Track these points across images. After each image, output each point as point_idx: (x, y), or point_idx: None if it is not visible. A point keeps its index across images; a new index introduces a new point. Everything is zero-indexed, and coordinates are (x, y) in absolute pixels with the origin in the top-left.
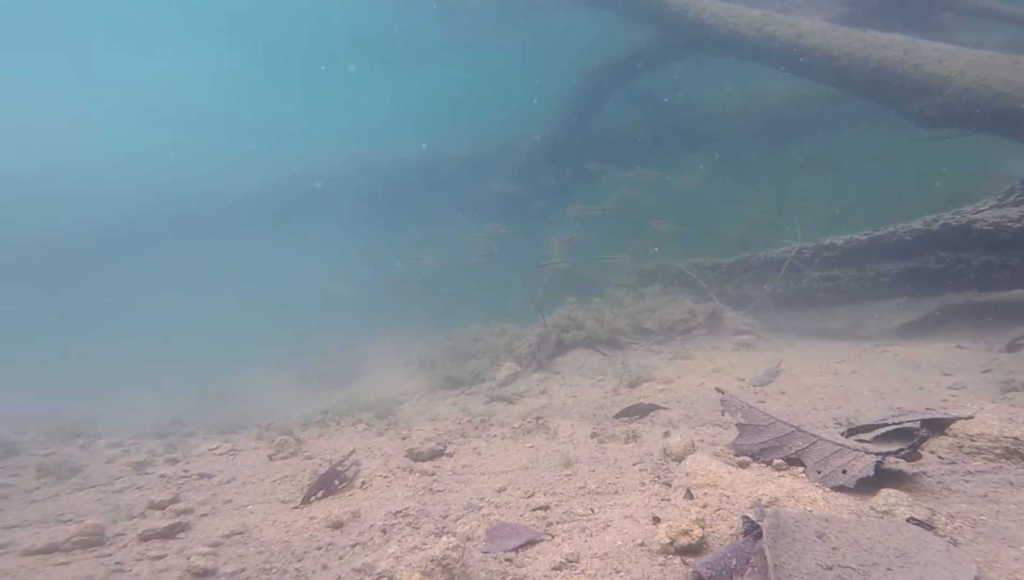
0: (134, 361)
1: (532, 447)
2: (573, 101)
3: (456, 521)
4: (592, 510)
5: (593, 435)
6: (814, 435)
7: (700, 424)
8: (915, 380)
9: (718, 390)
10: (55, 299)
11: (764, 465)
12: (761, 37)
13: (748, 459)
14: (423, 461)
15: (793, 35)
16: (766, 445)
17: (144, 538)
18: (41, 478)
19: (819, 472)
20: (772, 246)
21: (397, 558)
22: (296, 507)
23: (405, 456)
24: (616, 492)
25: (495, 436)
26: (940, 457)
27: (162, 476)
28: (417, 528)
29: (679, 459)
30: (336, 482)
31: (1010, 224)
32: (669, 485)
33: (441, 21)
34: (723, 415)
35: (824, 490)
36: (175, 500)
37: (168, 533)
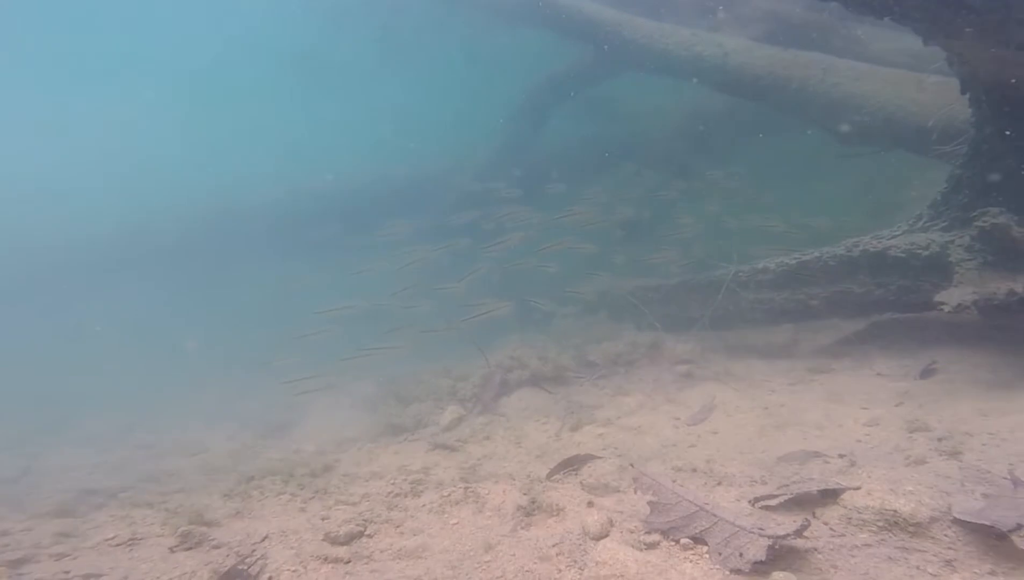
0: (65, 412)
1: (457, 524)
2: (516, 119)
3: None
4: None
5: (519, 508)
6: (715, 515)
7: (626, 483)
8: (836, 416)
9: (632, 466)
10: None
11: (673, 543)
12: (691, 56)
13: (659, 538)
14: (340, 545)
15: (720, 54)
16: (674, 523)
17: None
18: None
19: (720, 554)
20: (712, 268)
21: None
22: None
23: (322, 540)
24: None
25: (423, 507)
26: (831, 528)
27: None
28: None
29: (596, 539)
30: None
31: (919, 251)
32: (582, 571)
33: (379, 40)
34: (635, 492)
35: (723, 573)
36: None
37: None
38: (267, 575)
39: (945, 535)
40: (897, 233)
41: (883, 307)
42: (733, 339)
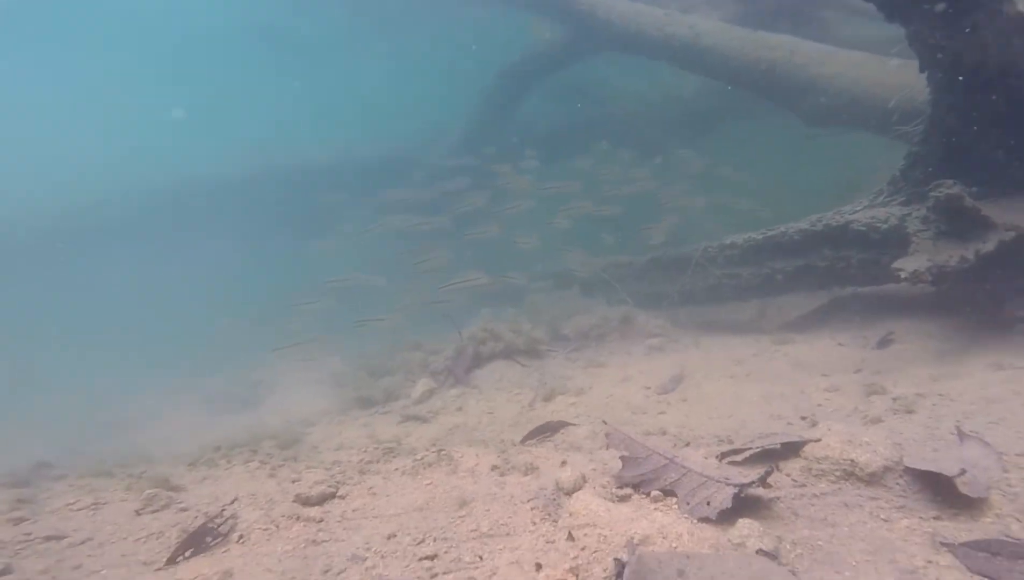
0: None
1: (430, 484)
2: (490, 98)
3: (338, 575)
4: (480, 556)
5: (494, 468)
6: (684, 467)
7: (600, 446)
8: (799, 382)
9: (604, 422)
10: None
11: (644, 496)
12: (663, 37)
13: (630, 491)
14: (312, 506)
15: (692, 35)
16: (644, 477)
17: None
18: None
19: (688, 503)
20: (681, 245)
21: None
22: (160, 568)
23: (293, 502)
24: (507, 534)
25: (395, 470)
26: (793, 479)
27: None
28: None
29: (570, 493)
30: (208, 539)
31: (879, 225)
32: (556, 523)
33: (350, 13)
34: (607, 448)
35: (691, 522)
36: (5, 572)
37: None
38: (237, 534)
39: (897, 483)
40: (858, 208)
41: (844, 281)
42: (703, 315)
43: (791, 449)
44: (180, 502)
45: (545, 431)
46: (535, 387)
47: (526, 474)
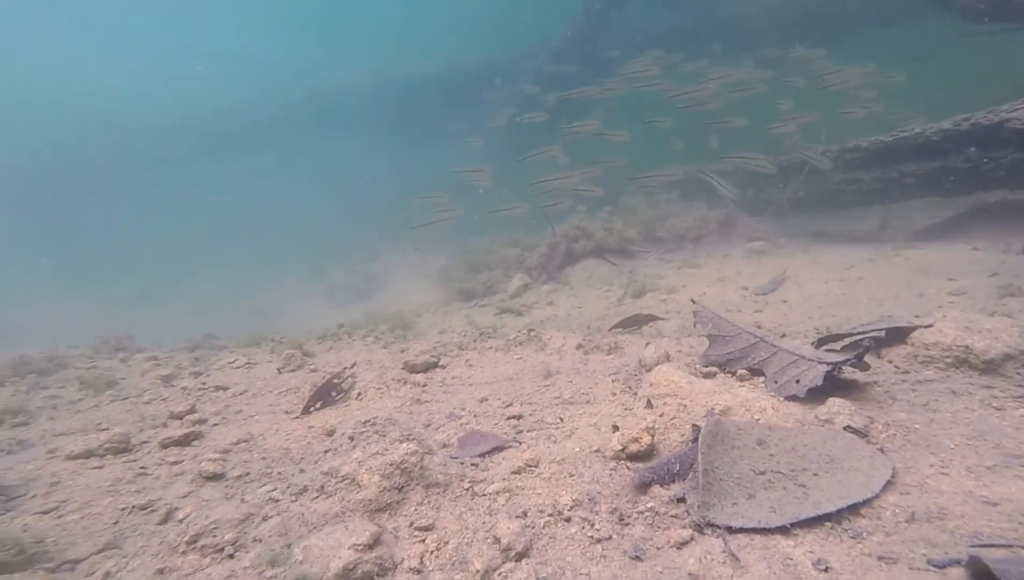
0: (175, 277)
1: (520, 359)
2: (588, 5)
3: (437, 429)
4: (561, 419)
5: (579, 347)
6: (775, 346)
7: (688, 335)
8: (919, 285)
9: (692, 301)
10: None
11: (729, 375)
12: None
13: (715, 369)
14: (418, 373)
15: None
16: (732, 355)
17: (164, 445)
18: (83, 390)
19: (776, 382)
20: (794, 150)
21: (359, 462)
22: (297, 417)
23: (402, 368)
24: (587, 402)
25: (489, 348)
26: (896, 366)
27: (184, 389)
28: (384, 435)
29: (651, 369)
30: (333, 393)
31: None
32: (636, 394)
33: None
34: (694, 326)
35: (777, 399)
36: (192, 411)
37: (184, 441)
38: (356, 391)
39: (1019, 373)
40: (1019, 105)
41: (991, 184)
42: (815, 223)
43: (897, 335)
44: (311, 364)
45: (633, 323)
46: (625, 285)
47: (610, 353)
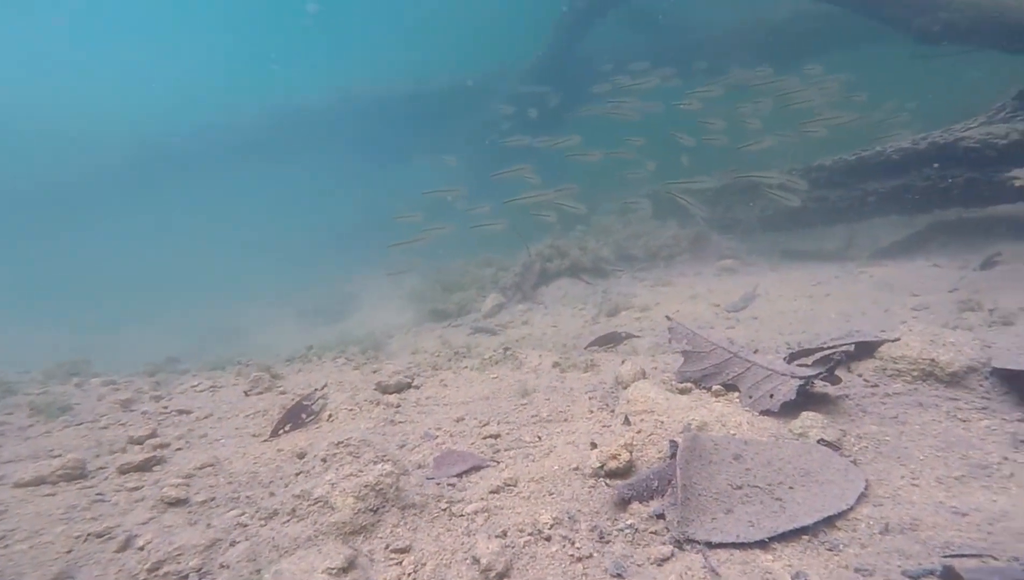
0: (140, 302)
1: (496, 378)
2: (559, 27)
3: (412, 450)
4: (539, 437)
5: (555, 365)
6: (749, 361)
7: (663, 352)
8: (884, 302)
9: (667, 318)
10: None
11: (704, 390)
12: None
13: (690, 385)
14: (390, 393)
15: None
16: (706, 371)
17: (123, 471)
18: (33, 416)
19: (750, 397)
20: (761, 168)
21: (332, 484)
22: (265, 440)
23: (374, 389)
24: (565, 420)
25: (464, 367)
26: (865, 379)
27: (144, 413)
28: (358, 457)
29: (627, 386)
30: (303, 415)
31: (996, 141)
32: (613, 412)
33: None
34: (669, 342)
35: (752, 413)
36: (153, 435)
37: (145, 466)
38: (327, 413)
39: (981, 385)
40: (972, 125)
41: (947, 202)
42: (783, 242)
43: (866, 349)
44: (280, 386)
45: (608, 341)
46: (599, 303)
47: (586, 371)
